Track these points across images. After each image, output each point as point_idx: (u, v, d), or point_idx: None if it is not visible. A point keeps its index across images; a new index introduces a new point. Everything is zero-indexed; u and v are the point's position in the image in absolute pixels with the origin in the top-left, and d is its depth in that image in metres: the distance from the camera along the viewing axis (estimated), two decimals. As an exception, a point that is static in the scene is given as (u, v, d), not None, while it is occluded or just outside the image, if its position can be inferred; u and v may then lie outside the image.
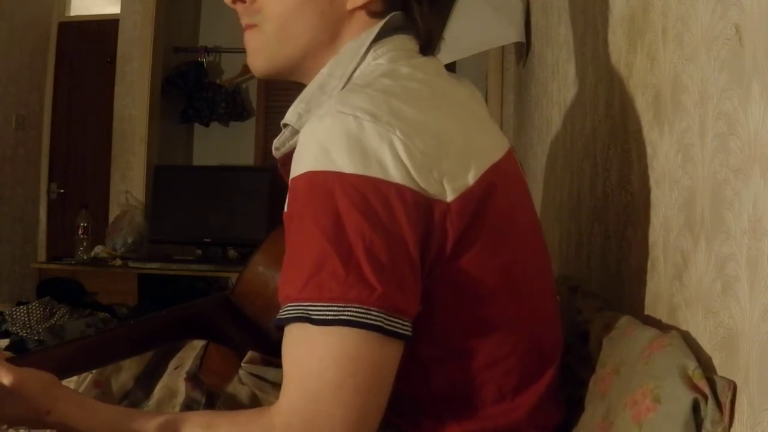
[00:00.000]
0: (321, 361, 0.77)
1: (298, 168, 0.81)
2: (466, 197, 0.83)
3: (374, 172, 0.78)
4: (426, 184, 0.80)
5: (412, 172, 0.79)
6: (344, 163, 0.78)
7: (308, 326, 0.77)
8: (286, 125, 0.93)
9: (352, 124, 0.80)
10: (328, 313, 0.77)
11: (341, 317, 0.76)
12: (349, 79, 0.91)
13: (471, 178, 0.84)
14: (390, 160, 0.79)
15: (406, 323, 0.79)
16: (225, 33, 5.22)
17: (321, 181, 0.78)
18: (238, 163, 5.27)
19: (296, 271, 0.79)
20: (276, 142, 0.95)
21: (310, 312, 0.77)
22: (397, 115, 0.82)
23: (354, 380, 0.77)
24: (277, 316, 0.80)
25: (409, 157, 0.79)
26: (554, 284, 1.03)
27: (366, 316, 0.76)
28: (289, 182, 0.83)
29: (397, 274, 0.78)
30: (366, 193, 0.78)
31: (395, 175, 0.79)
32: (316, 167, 0.79)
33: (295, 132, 0.92)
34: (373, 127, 0.80)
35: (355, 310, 0.76)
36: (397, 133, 0.80)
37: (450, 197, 0.82)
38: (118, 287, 4.08)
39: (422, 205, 0.80)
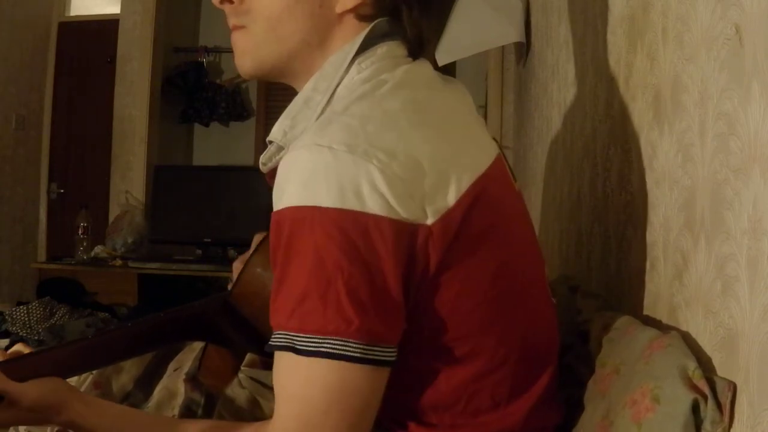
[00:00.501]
0: (306, 389, 0.81)
1: (280, 202, 0.82)
2: (446, 219, 0.83)
3: (352, 205, 0.79)
4: (406, 211, 0.81)
5: (392, 201, 0.80)
6: (323, 198, 0.79)
7: (293, 355, 0.80)
8: (271, 142, 0.93)
9: (328, 156, 0.80)
10: (310, 344, 0.79)
11: (321, 349, 0.79)
12: (333, 93, 0.91)
13: (452, 199, 0.84)
14: (368, 191, 0.79)
15: (387, 350, 0.81)
16: (225, 33, 5.08)
17: (301, 217, 0.80)
18: (238, 163, 5.27)
19: (283, 301, 0.82)
20: (262, 158, 0.96)
21: (295, 342, 0.80)
22: (374, 142, 0.82)
23: (339, 407, 0.80)
24: (269, 342, 0.83)
25: (387, 186, 0.80)
26: (549, 289, 1.03)
27: (344, 347, 0.79)
28: (272, 214, 0.84)
29: (376, 306, 0.80)
30: (345, 226, 0.79)
31: (373, 207, 0.79)
32: (297, 202, 0.80)
33: (281, 148, 0.92)
34: (349, 157, 0.80)
35: (333, 342, 0.79)
36: (374, 162, 0.80)
37: (431, 220, 0.82)
38: (118, 287, 4.09)
39: (403, 233, 0.81)
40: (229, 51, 5.34)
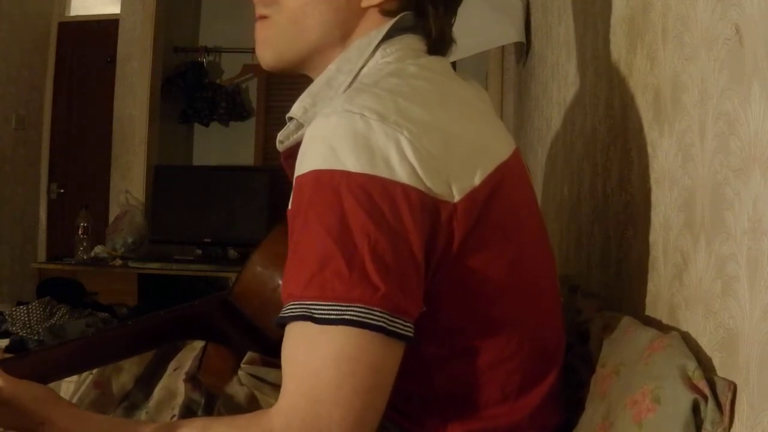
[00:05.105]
0: (321, 360, 0.77)
1: (303, 166, 0.81)
2: (471, 198, 0.83)
3: (381, 172, 0.78)
4: (433, 184, 0.80)
5: (420, 172, 0.79)
6: (351, 162, 0.78)
7: (310, 325, 0.76)
8: (291, 119, 0.93)
9: (359, 122, 0.79)
10: (331, 312, 0.76)
11: (344, 317, 0.75)
12: (356, 75, 0.91)
13: (477, 179, 0.84)
14: (397, 160, 0.78)
15: (407, 324, 0.79)
16: (225, 33, 5.21)
17: (327, 179, 0.78)
18: (238, 163, 5.26)
19: (300, 269, 0.78)
20: (280, 135, 0.95)
21: (313, 311, 0.76)
22: (405, 114, 0.81)
23: (353, 381, 0.76)
24: (280, 314, 0.79)
25: (416, 157, 0.79)
26: (558, 287, 1.03)
27: (368, 315, 0.76)
28: (294, 179, 0.82)
29: (400, 275, 0.78)
30: (372, 192, 0.77)
31: (402, 175, 0.78)
32: (323, 165, 0.78)
33: (300, 126, 0.91)
34: (380, 126, 0.79)
35: (358, 309, 0.76)
36: (405, 132, 0.80)
37: (456, 198, 0.82)
38: (118, 287, 4.09)
39: (428, 205, 0.80)
40: (229, 51, 5.32)
